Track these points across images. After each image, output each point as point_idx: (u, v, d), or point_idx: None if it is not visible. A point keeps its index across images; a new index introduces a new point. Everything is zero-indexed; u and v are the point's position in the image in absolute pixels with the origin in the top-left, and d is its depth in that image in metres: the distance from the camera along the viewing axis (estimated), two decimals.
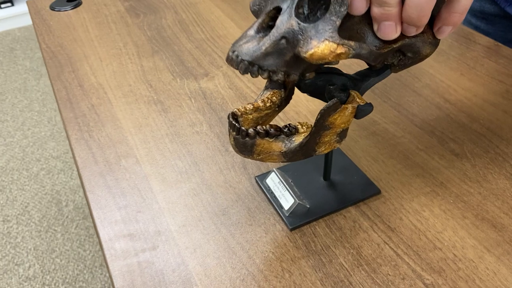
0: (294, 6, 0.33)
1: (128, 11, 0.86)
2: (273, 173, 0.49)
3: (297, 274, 0.41)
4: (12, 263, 1.42)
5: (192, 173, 0.52)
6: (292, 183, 0.48)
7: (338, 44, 0.32)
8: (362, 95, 0.39)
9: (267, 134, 0.38)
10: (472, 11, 0.83)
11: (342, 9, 0.31)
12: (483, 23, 0.81)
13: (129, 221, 0.47)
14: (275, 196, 0.47)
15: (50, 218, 1.56)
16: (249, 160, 0.53)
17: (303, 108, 0.60)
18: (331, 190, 0.48)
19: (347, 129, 0.39)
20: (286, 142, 0.38)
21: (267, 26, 0.34)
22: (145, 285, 0.41)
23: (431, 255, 0.42)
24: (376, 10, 0.32)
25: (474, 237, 0.43)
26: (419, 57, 0.37)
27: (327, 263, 0.42)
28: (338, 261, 0.42)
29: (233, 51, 0.34)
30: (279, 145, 0.38)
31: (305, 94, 0.46)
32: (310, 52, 0.32)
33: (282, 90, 0.40)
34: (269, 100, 0.40)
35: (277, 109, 0.41)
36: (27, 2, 0.92)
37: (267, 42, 0.33)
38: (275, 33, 0.33)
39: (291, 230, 0.45)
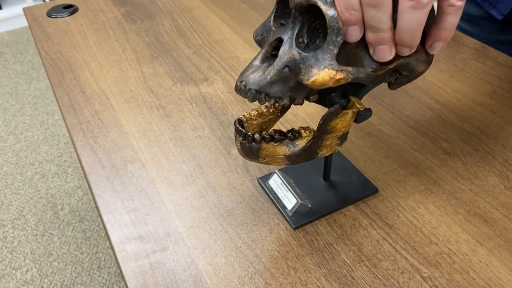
0: (294, 36, 0.35)
1: (124, 17, 0.88)
2: (275, 174, 0.51)
3: (302, 271, 0.43)
4: (10, 267, 1.42)
5: (197, 176, 0.54)
6: (293, 184, 0.50)
7: (337, 71, 0.34)
8: (361, 100, 0.42)
9: (272, 138, 0.40)
10: None
11: (339, 39, 0.34)
12: (469, 25, 0.84)
13: (138, 224, 0.48)
14: (278, 197, 0.50)
15: (46, 221, 1.56)
16: (251, 162, 0.55)
17: (301, 111, 0.62)
18: (331, 190, 0.50)
19: (347, 132, 0.42)
20: (290, 146, 0.40)
21: (270, 56, 0.37)
22: (158, 284, 0.43)
23: (428, 250, 0.44)
24: (370, 36, 0.34)
25: (467, 232, 0.46)
26: (414, 75, 0.39)
27: (330, 259, 0.44)
28: (341, 258, 0.44)
29: (241, 81, 0.37)
30: (283, 149, 0.40)
31: None
32: (312, 79, 0.34)
33: None
34: (272, 106, 0.42)
35: (279, 114, 0.43)
36: (23, 9, 0.93)
37: (271, 71, 0.36)
38: (278, 62, 0.35)
39: (295, 229, 0.47)
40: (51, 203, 1.63)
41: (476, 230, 0.46)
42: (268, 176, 0.52)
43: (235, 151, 0.57)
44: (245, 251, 0.45)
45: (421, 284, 0.42)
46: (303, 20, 0.35)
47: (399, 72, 0.38)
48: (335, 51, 0.34)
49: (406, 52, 0.35)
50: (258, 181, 0.52)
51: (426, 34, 0.37)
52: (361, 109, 0.40)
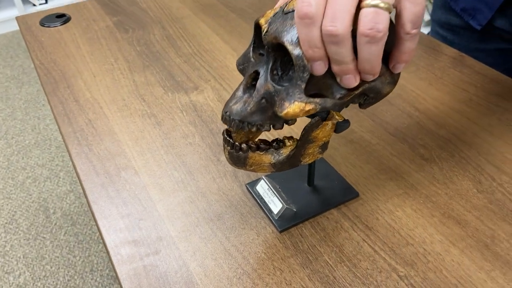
0: (269, 70, 0.39)
1: (116, 26, 0.90)
2: (262, 180, 0.54)
3: (287, 271, 0.46)
4: (2, 271, 1.44)
5: (188, 182, 0.56)
6: (279, 189, 0.53)
7: (306, 103, 0.38)
8: (340, 112, 0.45)
9: (258, 148, 0.43)
10: (439, 23, 0.90)
11: (305, 75, 0.37)
12: (449, 34, 0.88)
13: (132, 229, 0.51)
14: (264, 202, 0.52)
15: (38, 225, 1.58)
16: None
17: None
18: (315, 194, 0.53)
19: (328, 142, 0.45)
20: (275, 154, 0.43)
21: (251, 85, 0.41)
22: (151, 286, 0.45)
23: (404, 250, 0.48)
24: (335, 68, 0.37)
25: (441, 233, 0.49)
26: (380, 96, 0.42)
27: (313, 260, 0.47)
28: (323, 258, 0.47)
29: (226, 112, 0.41)
30: (268, 157, 0.43)
31: None
32: (284, 112, 0.38)
33: None
34: None
35: None
36: (16, 18, 0.95)
37: (251, 103, 0.40)
38: (256, 95, 0.39)
39: (280, 232, 0.50)
40: (43, 207, 1.64)
41: (450, 231, 0.49)
42: (256, 182, 0.55)
43: (224, 158, 0.59)
44: (233, 254, 0.48)
45: (397, 283, 0.45)
46: (275, 55, 0.39)
47: (367, 95, 0.41)
48: (303, 86, 0.38)
49: (369, 78, 0.38)
50: (246, 186, 0.55)
51: (389, 56, 0.40)
52: (340, 120, 0.43)
